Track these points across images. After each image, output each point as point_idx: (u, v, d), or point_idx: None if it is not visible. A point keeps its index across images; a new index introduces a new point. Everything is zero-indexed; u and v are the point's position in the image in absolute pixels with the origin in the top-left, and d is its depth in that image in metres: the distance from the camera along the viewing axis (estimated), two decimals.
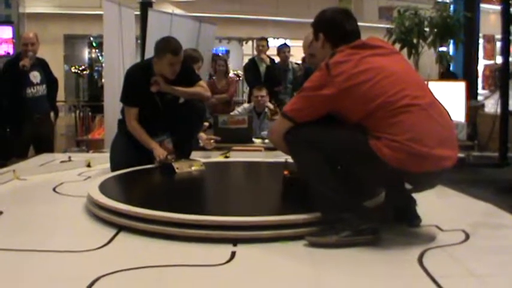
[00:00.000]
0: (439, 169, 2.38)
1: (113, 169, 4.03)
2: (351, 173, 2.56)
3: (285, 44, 8.80)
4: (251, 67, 8.17)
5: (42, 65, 6.12)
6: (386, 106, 2.36)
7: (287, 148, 2.67)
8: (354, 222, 2.40)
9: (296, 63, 8.71)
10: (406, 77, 2.52)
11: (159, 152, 4.04)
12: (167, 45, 4.08)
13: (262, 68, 7.97)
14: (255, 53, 8.82)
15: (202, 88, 4.33)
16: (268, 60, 8.04)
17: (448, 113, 2.52)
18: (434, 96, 2.52)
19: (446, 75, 9.90)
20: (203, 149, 5.20)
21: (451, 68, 10.29)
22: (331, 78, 2.47)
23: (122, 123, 4.37)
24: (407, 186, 2.45)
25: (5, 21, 11.63)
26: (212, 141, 5.30)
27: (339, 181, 2.49)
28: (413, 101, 2.38)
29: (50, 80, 6.22)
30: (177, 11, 10.97)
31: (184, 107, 4.30)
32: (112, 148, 4.36)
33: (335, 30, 2.70)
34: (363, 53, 2.53)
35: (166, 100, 4.23)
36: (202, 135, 5.22)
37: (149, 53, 6.31)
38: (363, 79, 2.43)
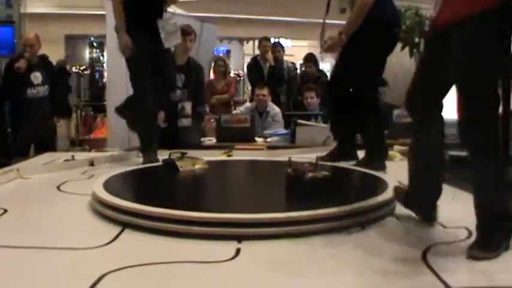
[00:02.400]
0: None
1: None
2: None
3: (278, 42, 8.82)
4: (254, 66, 8.18)
5: (45, 66, 6.12)
6: None
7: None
8: None
9: (292, 63, 8.74)
10: None
11: (125, 39, 4.36)
12: None
13: (266, 67, 7.98)
14: (257, 52, 8.83)
15: None
16: (272, 60, 8.04)
17: None
18: None
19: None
20: (206, 147, 5.25)
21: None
22: None
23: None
24: None
25: (6, 21, 11.65)
26: None
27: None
28: None
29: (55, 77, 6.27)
30: (178, 11, 10.97)
31: None
32: None
33: None
34: None
35: None
36: None
37: None
38: None
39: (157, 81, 4.52)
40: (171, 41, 4.72)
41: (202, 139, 5.98)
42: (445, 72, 2.30)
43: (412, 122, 2.62)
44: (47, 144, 6.02)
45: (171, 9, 7.64)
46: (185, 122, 5.15)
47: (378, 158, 4.13)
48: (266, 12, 14.08)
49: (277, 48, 8.32)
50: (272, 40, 8.97)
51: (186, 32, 5.73)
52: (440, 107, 2.53)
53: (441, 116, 2.53)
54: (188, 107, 5.26)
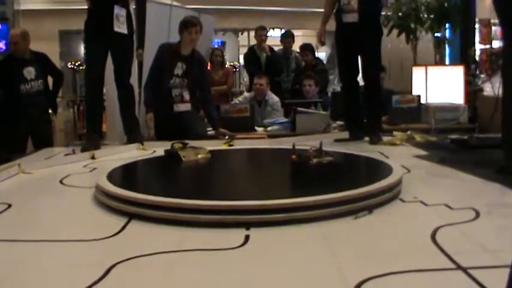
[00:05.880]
0: None
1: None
2: None
3: (286, 32, 8.74)
4: (251, 56, 8.16)
5: (39, 60, 6.12)
6: None
7: None
8: None
9: (298, 52, 8.70)
10: None
11: None
12: None
13: (263, 57, 7.96)
14: (252, 43, 8.80)
15: None
16: (268, 49, 8.02)
17: None
18: None
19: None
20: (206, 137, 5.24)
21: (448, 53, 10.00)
22: None
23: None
24: None
25: (1, 19, 11.63)
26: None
27: None
28: None
29: (53, 74, 6.26)
30: (174, 3, 10.92)
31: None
32: None
33: None
34: None
35: None
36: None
37: (148, 45, 6.30)
38: None
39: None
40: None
41: None
42: None
43: None
44: (43, 139, 6.00)
45: (168, 1, 7.64)
46: (182, 106, 5.25)
47: (379, 131, 5.01)
48: (260, 3, 14.05)
49: (286, 39, 8.30)
50: (270, 31, 8.94)
51: (192, 24, 5.50)
52: None
53: None
54: (186, 95, 5.35)
